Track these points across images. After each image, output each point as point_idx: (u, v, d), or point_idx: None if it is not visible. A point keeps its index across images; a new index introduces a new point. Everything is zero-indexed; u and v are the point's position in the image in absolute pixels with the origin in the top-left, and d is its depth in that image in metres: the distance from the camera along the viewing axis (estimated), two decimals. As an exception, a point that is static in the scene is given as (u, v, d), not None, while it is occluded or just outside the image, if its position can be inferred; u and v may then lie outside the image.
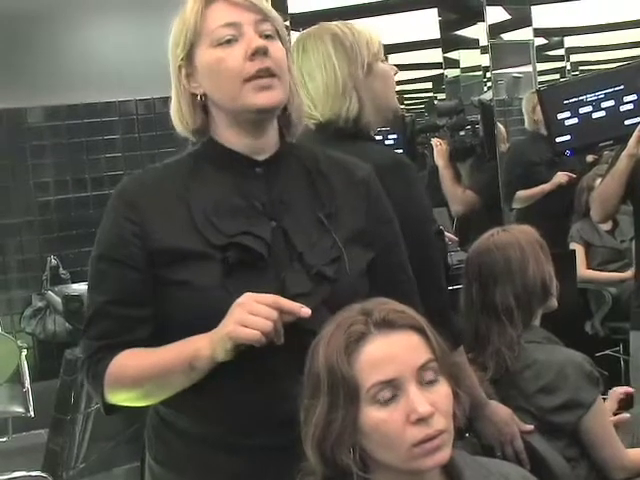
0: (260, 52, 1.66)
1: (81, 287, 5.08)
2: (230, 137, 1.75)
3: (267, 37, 1.70)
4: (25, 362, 4.61)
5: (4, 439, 4.54)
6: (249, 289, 1.62)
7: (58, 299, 5.36)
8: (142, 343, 1.70)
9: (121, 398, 1.72)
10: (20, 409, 4.53)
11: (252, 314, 1.53)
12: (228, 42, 1.68)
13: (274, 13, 1.73)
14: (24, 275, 5.86)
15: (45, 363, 5.63)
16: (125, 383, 1.70)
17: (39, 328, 5.59)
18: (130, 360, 1.69)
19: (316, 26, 2.34)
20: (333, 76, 2.23)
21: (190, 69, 1.73)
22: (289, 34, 4.18)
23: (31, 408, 4.52)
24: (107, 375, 1.70)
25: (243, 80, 1.67)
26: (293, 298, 1.64)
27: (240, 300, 1.56)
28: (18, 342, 4.61)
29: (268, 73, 1.67)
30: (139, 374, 1.68)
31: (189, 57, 1.73)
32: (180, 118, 1.77)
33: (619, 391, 2.68)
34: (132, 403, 1.73)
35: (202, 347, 1.59)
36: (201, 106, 1.75)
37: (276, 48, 1.70)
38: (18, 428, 4.66)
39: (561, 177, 5.24)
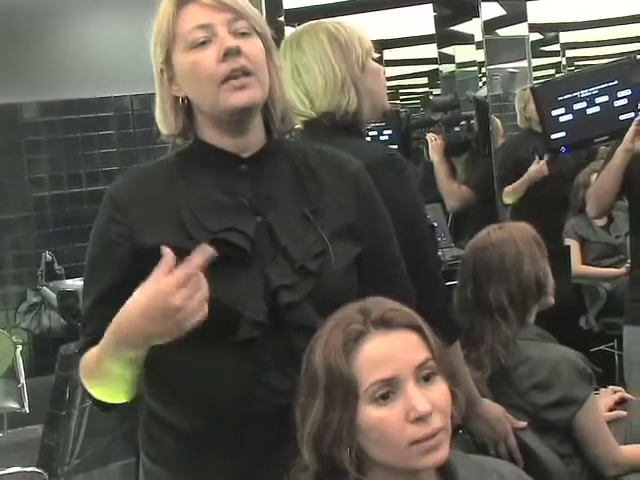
0: (232, 52, 1.65)
1: (76, 283, 5.08)
2: (214, 137, 1.75)
3: (243, 35, 1.69)
4: (20, 358, 4.61)
5: (-1, 435, 4.55)
6: (233, 284, 1.64)
7: (53, 295, 5.37)
8: None
9: (96, 392, 1.76)
10: (15, 405, 4.53)
11: (191, 299, 1.48)
12: (202, 44, 1.67)
13: (250, 11, 1.72)
14: (19, 271, 5.86)
15: (40, 359, 5.63)
16: (94, 384, 1.75)
17: (34, 323, 5.60)
18: (87, 361, 1.72)
19: (308, 24, 2.34)
20: (331, 71, 2.23)
21: (171, 72, 1.73)
22: (283, 29, 4.23)
23: (26, 404, 4.53)
24: (81, 375, 1.75)
25: (218, 82, 1.66)
26: (277, 290, 1.66)
27: (177, 300, 1.47)
28: (13, 338, 4.62)
29: (242, 72, 1.66)
30: (96, 376, 1.72)
31: (168, 61, 1.73)
32: (164, 121, 1.77)
33: (615, 397, 2.69)
34: (108, 399, 1.76)
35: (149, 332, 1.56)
36: (184, 109, 1.75)
37: (251, 45, 1.69)
38: (13, 424, 4.67)
39: (542, 166, 5.19)
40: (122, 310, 1.55)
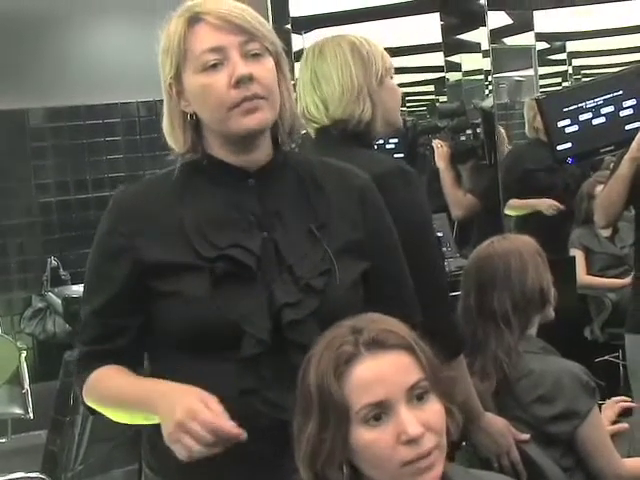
0: (245, 80, 1.65)
1: (81, 289, 5.04)
2: (222, 153, 1.75)
3: (254, 56, 1.69)
4: (25, 363, 4.61)
5: (3, 440, 4.55)
6: (238, 301, 1.65)
7: (58, 300, 5.37)
8: (128, 350, 1.75)
9: (100, 410, 1.78)
10: (19, 410, 4.53)
11: (190, 435, 1.51)
12: (214, 66, 1.67)
13: (261, 29, 1.71)
14: (24, 276, 5.87)
15: (45, 364, 5.64)
16: (99, 403, 1.78)
17: (39, 329, 5.60)
18: (102, 384, 1.75)
19: (333, 35, 2.36)
20: (349, 80, 2.25)
21: (180, 87, 1.73)
22: (290, 38, 4.23)
23: (30, 409, 4.53)
24: (85, 388, 1.77)
25: (229, 108, 1.67)
26: (281, 308, 1.66)
27: (179, 416, 1.52)
28: (18, 343, 4.62)
29: (254, 98, 1.67)
30: (108, 402, 1.75)
31: (177, 77, 1.72)
32: (173, 136, 1.77)
33: (618, 406, 2.68)
34: (111, 417, 1.78)
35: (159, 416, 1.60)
36: (192, 125, 1.75)
37: (263, 69, 1.69)
38: (17, 429, 4.67)
39: (550, 206, 5.21)
40: (164, 384, 1.63)
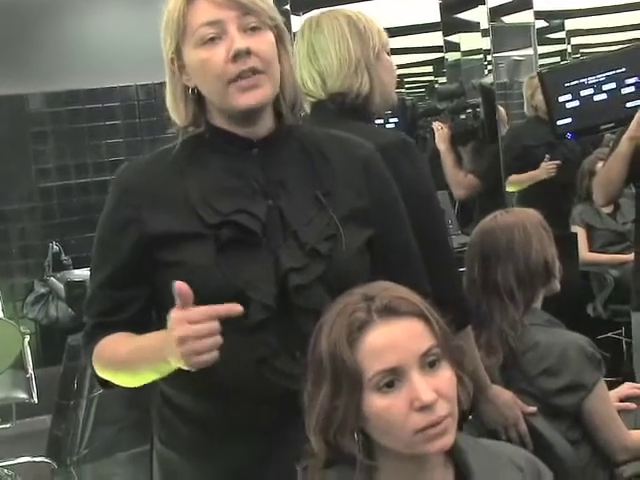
0: (242, 54, 1.66)
1: (83, 273, 5.08)
2: (226, 124, 1.76)
3: (253, 30, 1.69)
4: (28, 348, 4.61)
5: (8, 425, 4.54)
6: (243, 267, 1.66)
7: (60, 285, 5.38)
8: (135, 321, 1.76)
9: (109, 377, 1.78)
10: (24, 395, 4.53)
11: (197, 338, 1.49)
12: (212, 40, 1.68)
13: (260, 5, 1.71)
14: (26, 261, 5.87)
15: (48, 349, 5.65)
16: (107, 368, 1.78)
17: (42, 314, 5.60)
18: (109, 348, 1.75)
19: (330, 9, 2.35)
20: (347, 53, 2.25)
21: (181, 62, 1.74)
22: (289, 18, 4.23)
23: (34, 394, 4.53)
24: (94, 356, 1.78)
25: (227, 82, 1.67)
26: (287, 273, 1.67)
27: (177, 332, 1.49)
28: (21, 328, 4.62)
29: (252, 72, 1.67)
30: (116, 364, 1.75)
31: (178, 52, 1.74)
32: (176, 110, 1.77)
33: (630, 391, 2.68)
34: (121, 383, 1.78)
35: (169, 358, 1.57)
36: (194, 99, 1.76)
37: (261, 42, 1.69)
38: (22, 414, 4.68)
39: (548, 167, 5.22)
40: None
